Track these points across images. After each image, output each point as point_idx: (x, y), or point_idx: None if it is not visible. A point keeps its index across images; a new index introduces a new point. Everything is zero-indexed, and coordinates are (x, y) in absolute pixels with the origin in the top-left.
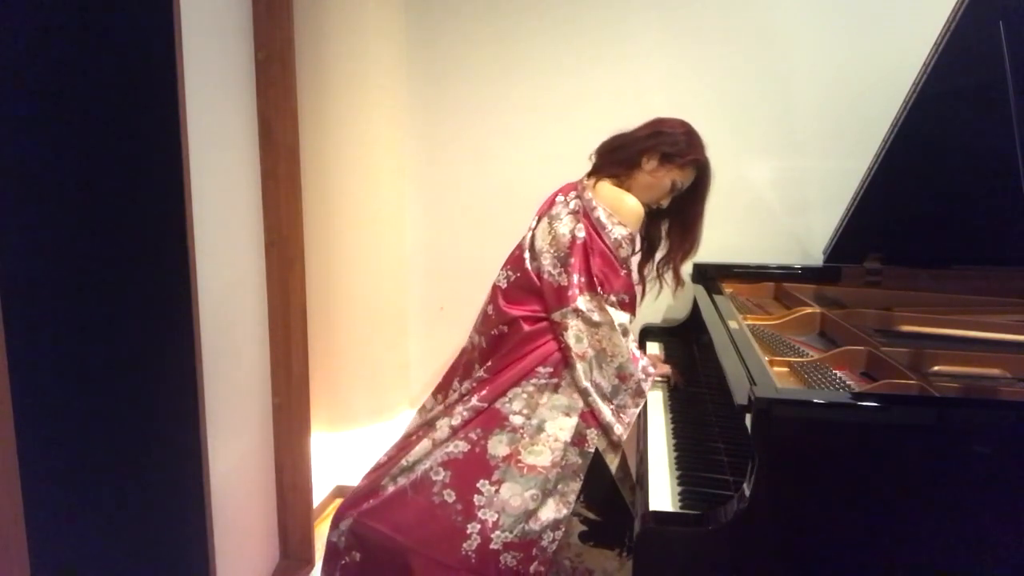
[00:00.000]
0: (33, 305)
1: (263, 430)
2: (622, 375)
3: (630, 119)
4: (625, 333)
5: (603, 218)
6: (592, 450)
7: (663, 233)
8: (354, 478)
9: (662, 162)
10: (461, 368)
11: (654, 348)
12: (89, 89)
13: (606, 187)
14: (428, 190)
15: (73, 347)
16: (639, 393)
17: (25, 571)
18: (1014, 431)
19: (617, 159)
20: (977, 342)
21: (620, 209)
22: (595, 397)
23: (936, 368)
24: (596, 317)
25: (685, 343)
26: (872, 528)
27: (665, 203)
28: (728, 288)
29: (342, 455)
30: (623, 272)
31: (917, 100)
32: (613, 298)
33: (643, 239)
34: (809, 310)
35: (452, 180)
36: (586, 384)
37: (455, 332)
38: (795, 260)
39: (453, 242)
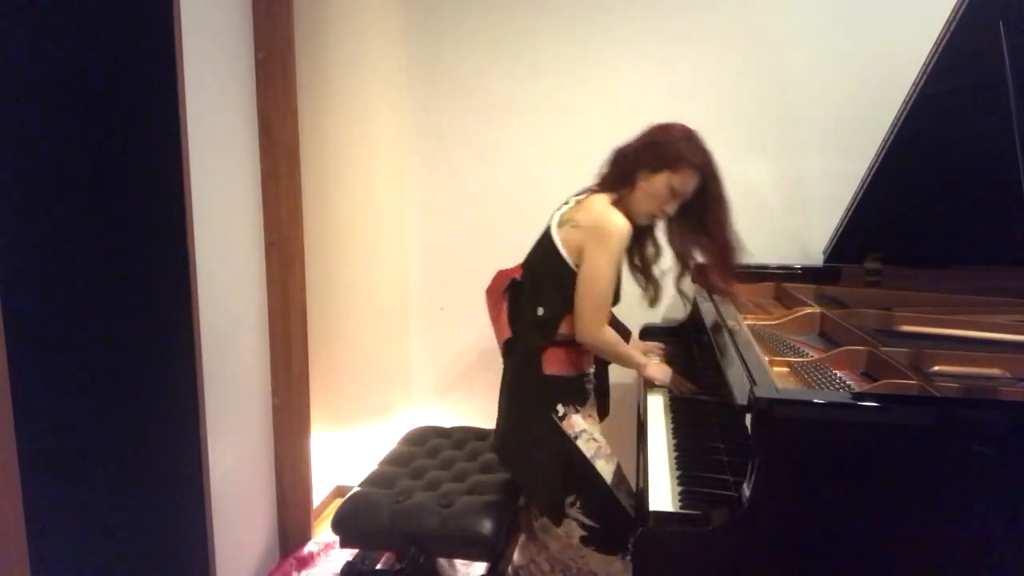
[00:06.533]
0: (34, 305)
1: (263, 430)
2: None
3: (630, 120)
4: None
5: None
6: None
7: (689, 246)
8: (354, 478)
9: (655, 170)
10: None
11: None
12: (89, 89)
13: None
14: (428, 190)
15: (73, 347)
16: None
17: (25, 571)
18: (1014, 431)
19: (615, 173)
20: (977, 342)
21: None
22: None
23: (936, 368)
24: None
25: (685, 343)
26: (872, 528)
27: (671, 209)
28: None
29: (342, 455)
30: None
31: (917, 100)
32: None
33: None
34: (809, 310)
35: (452, 180)
36: None
37: (455, 332)
38: (795, 260)
39: (453, 242)
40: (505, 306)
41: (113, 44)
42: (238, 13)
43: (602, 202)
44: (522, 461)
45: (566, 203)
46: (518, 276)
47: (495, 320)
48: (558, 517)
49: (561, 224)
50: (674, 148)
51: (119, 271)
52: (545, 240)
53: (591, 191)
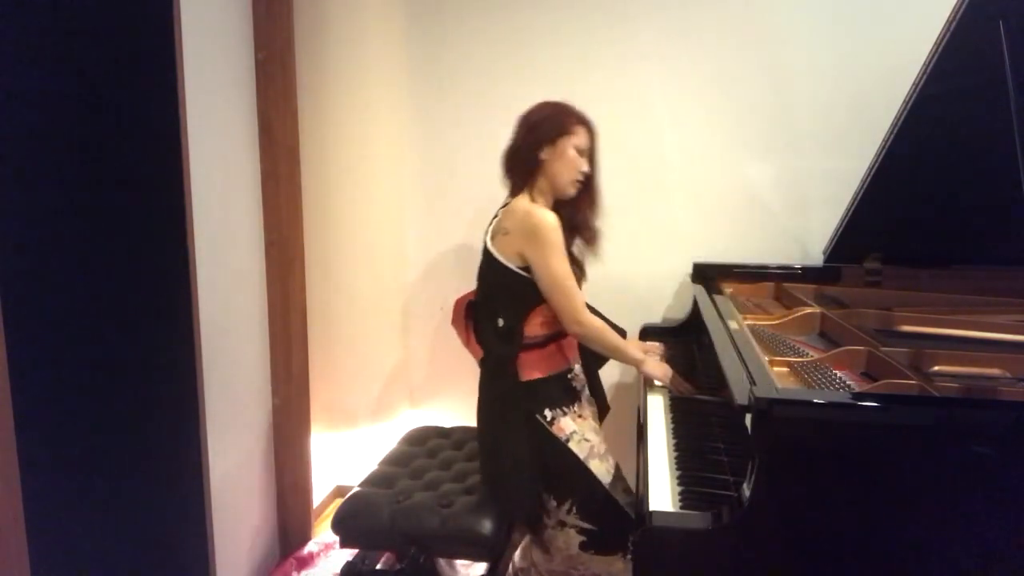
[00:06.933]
0: (34, 306)
1: (263, 430)
2: None
3: (630, 120)
4: None
5: None
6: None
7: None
8: (354, 478)
9: (553, 141)
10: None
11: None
12: (89, 89)
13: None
14: (428, 190)
15: (73, 347)
16: None
17: (25, 571)
18: (1014, 431)
19: (518, 170)
20: (977, 342)
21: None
22: None
23: (936, 368)
24: None
25: (685, 343)
26: (872, 528)
27: (586, 167)
28: (728, 288)
29: (342, 455)
30: None
31: (917, 100)
32: None
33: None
34: (809, 310)
35: (452, 180)
36: None
37: (455, 332)
38: (795, 260)
39: (453, 242)
40: (470, 328)
41: (113, 44)
42: (238, 13)
43: (522, 203)
44: (494, 470)
45: (495, 216)
46: (473, 298)
47: (466, 344)
48: (534, 523)
49: (494, 236)
50: (555, 118)
51: (119, 271)
52: (486, 256)
53: (508, 200)
